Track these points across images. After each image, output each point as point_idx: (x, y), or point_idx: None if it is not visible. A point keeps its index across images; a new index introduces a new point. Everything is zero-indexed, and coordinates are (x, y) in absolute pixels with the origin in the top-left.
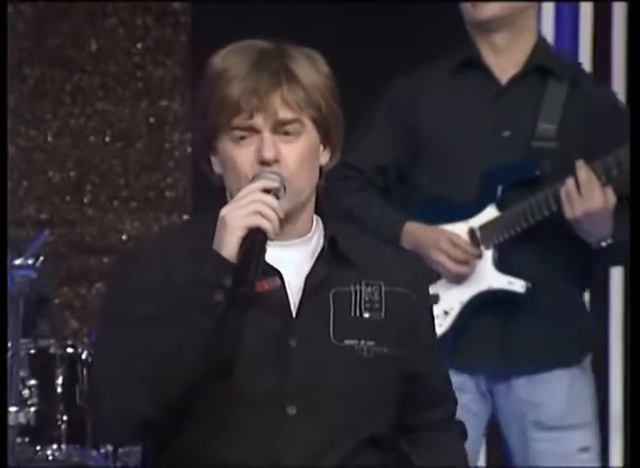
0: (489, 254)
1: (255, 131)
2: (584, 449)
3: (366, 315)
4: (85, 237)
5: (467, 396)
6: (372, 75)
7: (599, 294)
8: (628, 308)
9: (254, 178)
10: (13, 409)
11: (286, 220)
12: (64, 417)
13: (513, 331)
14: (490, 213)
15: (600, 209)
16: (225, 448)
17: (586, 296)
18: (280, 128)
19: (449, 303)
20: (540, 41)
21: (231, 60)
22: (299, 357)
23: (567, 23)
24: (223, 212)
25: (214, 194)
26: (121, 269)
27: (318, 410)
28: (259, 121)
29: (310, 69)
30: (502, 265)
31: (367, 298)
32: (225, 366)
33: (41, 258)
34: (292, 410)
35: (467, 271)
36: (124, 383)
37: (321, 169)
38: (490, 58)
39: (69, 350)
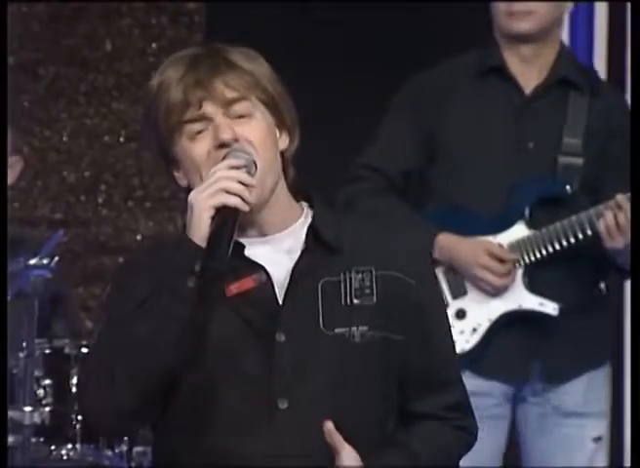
0: (519, 274)
1: (207, 119)
2: (598, 439)
3: (356, 301)
4: (99, 237)
5: (493, 400)
6: (380, 75)
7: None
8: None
9: (223, 159)
10: (28, 408)
11: (258, 213)
12: (79, 417)
13: (541, 344)
14: (519, 230)
15: None
16: (218, 444)
17: None
18: (230, 110)
19: (477, 320)
20: (563, 51)
21: (168, 72)
22: (287, 350)
23: (582, 26)
24: (190, 196)
25: None
26: (116, 275)
27: (310, 402)
28: (208, 108)
29: (249, 60)
30: (533, 285)
31: (357, 285)
32: (202, 352)
33: (56, 258)
34: (283, 404)
35: (509, 282)
36: (106, 374)
37: (283, 156)
38: (515, 66)
39: (84, 350)
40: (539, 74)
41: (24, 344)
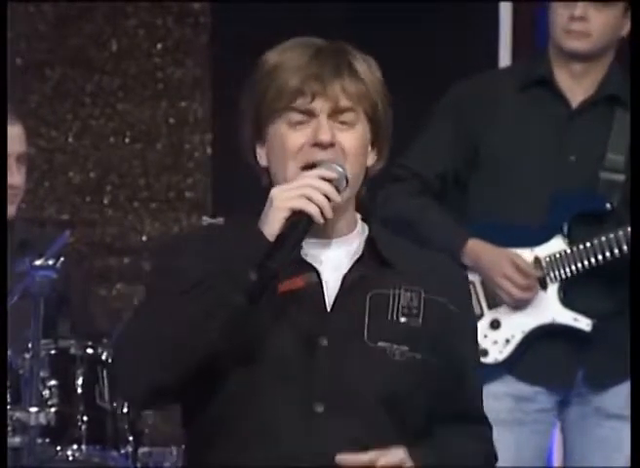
0: (554, 287)
1: (313, 115)
2: None
3: (402, 319)
4: (105, 238)
5: (536, 406)
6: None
7: None
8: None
9: (315, 166)
10: (33, 409)
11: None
12: (85, 418)
13: (583, 352)
14: (557, 244)
15: None
16: (252, 444)
17: None
18: (337, 115)
19: (511, 331)
20: (612, 68)
21: (290, 55)
22: (329, 355)
23: None
24: (273, 191)
25: (233, 195)
26: (161, 255)
27: (345, 409)
28: (318, 104)
29: (368, 68)
30: (567, 300)
31: (405, 303)
32: (246, 347)
33: (61, 259)
34: (319, 408)
35: (529, 297)
36: (144, 344)
37: (367, 171)
38: (563, 80)
39: (89, 351)
40: (586, 90)
41: (30, 345)
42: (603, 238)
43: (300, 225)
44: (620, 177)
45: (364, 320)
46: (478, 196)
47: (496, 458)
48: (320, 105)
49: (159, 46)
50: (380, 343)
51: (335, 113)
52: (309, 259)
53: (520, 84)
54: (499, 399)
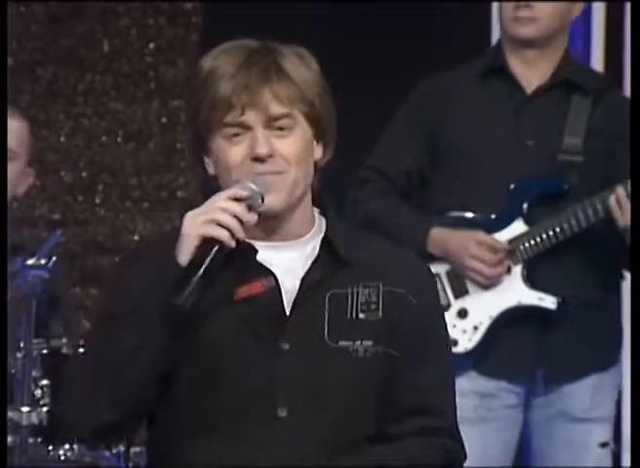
0: (517, 270)
1: (247, 127)
2: (605, 444)
3: (362, 316)
4: (97, 237)
5: (500, 402)
6: (387, 76)
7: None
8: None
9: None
10: (25, 409)
11: (280, 220)
12: None
13: (547, 343)
14: (518, 227)
15: None
16: (215, 450)
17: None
18: (272, 123)
19: (478, 318)
20: (567, 54)
21: (221, 60)
22: (290, 359)
23: (579, 26)
24: (185, 218)
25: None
26: (112, 277)
27: (310, 412)
28: (250, 117)
29: (300, 66)
30: (532, 281)
31: (364, 300)
32: (205, 354)
33: (53, 259)
34: (282, 412)
35: (501, 272)
36: (87, 385)
37: (315, 165)
38: (517, 68)
39: (82, 350)
40: (542, 76)
41: (22, 344)
42: (562, 212)
43: (210, 252)
44: (578, 159)
45: (324, 321)
46: (442, 190)
47: (465, 456)
48: (253, 118)
49: (151, 45)
50: (342, 342)
51: (269, 122)
52: (267, 264)
53: (476, 76)
54: (463, 396)
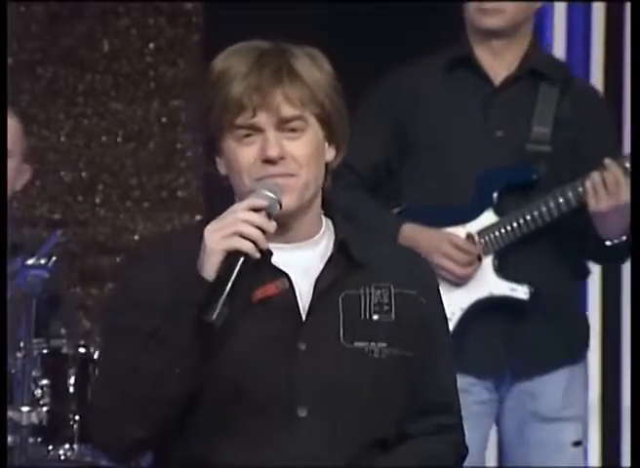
0: (489, 261)
1: (258, 129)
2: (578, 443)
3: (375, 317)
4: (97, 237)
5: (472, 397)
6: (370, 73)
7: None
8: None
9: (250, 193)
10: (25, 408)
11: (292, 221)
12: (77, 417)
13: (517, 335)
14: (488, 218)
15: (626, 205)
16: (234, 451)
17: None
18: (283, 125)
19: (450, 309)
20: (534, 45)
21: (233, 61)
22: (308, 359)
23: (579, 26)
24: (205, 232)
25: (225, 194)
26: (122, 279)
27: (328, 412)
28: (262, 119)
29: (312, 67)
30: (503, 271)
31: (376, 301)
32: (224, 358)
33: (53, 258)
34: (302, 412)
35: (471, 272)
36: (115, 402)
37: (327, 167)
38: (484, 58)
39: (82, 350)
40: (509, 66)
41: (22, 344)
42: (533, 205)
43: (236, 265)
44: (547, 149)
45: (338, 322)
46: (410, 181)
47: (467, 449)
48: (264, 119)
49: (151, 45)
50: (357, 343)
51: (281, 123)
52: (282, 265)
53: (443, 67)
54: None
